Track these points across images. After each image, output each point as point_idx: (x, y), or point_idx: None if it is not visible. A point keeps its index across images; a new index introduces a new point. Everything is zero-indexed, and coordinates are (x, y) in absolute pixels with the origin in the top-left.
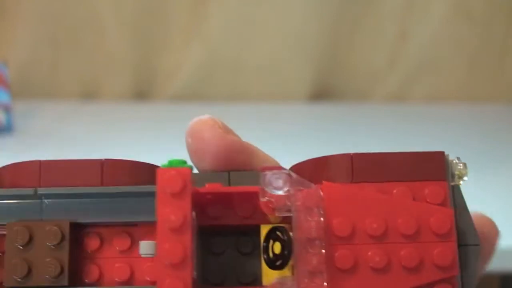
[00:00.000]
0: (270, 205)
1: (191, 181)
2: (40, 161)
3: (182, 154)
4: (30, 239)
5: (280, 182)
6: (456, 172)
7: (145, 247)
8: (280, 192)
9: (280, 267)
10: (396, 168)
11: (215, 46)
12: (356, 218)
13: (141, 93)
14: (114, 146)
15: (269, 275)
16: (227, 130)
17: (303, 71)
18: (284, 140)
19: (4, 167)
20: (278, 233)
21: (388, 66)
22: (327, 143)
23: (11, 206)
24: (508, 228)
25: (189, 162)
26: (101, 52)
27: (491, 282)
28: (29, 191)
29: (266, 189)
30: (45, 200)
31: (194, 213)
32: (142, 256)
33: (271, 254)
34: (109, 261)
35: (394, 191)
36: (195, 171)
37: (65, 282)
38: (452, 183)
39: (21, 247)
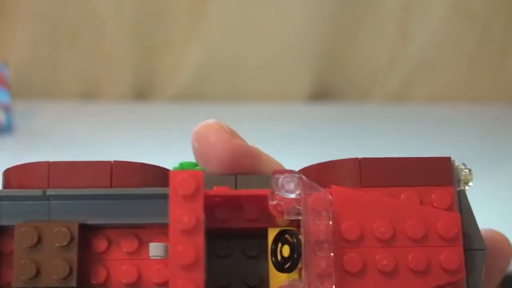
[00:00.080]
0: (279, 208)
1: (203, 184)
2: (49, 162)
3: (182, 154)
4: (39, 240)
5: (292, 186)
6: (462, 178)
7: (155, 249)
8: (292, 196)
9: (288, 270)
10: (403, 173)
11: (215, 46)
12: (365, 221)
13: (141, 93)
14: (114, 146)
15: (276, 278)
16: (233, 134)
17: (303, 71)
18: (284, 140)
19: (11, 168)
20: (287, 236)
21: (388, 66)
22: (327, 143)
23: (20, 207)
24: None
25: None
26: (101, 52)
27: None
28: (37, 192)
29: (278, 192)
30: (54, 201)
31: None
32: (152, 258)
33: (279, 257)
34: (116, 263)
35: (402, 195)
36: None
37: (73, 283)
38: (458, 189)
39: (30, 248)
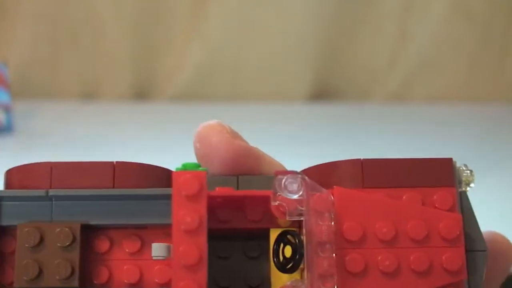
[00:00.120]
0: (281, 209)
1: (206, 184)
2: (51, 163)
3: (182, 153)
4: (41, 240)
5: (295, 186)
6: (463, 179)
7: (158, 249)
8: (295, 196)
9: (290, 271)
10: (405, 174)
11: (215, 46)
12: (367, 222)
13: (141, 93)
14: (114, 146)
15: (278, 279)
16: (235, 135)
17: (303, 71)
18: (284, 140)
19: (13, 168)
20: (289, 236)
21: (388, 66)
22: (327, 143)
23: (22, 207)
24: (508, 228)
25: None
26: (101, 52)
27: None
28: (40, 192)
29: (281, 193)
30: (56, 202)
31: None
32: (154, 258)
33: (281, 258)
34: (118, 263)
35: (404, 196)
36: None
37: (75, 283)
38: (460, 190)
39: (32, 248)
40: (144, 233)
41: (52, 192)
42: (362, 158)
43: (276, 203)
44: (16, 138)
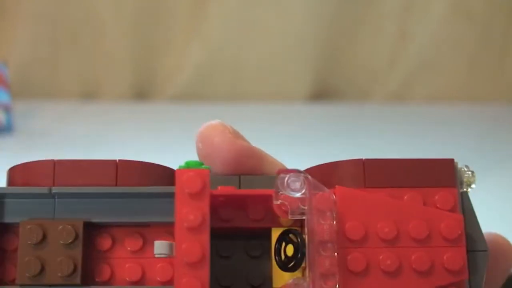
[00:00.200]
0: (284, 208)
1: (209, 182)
2: (54, 161)
3: (182, 153)
4: (44, 237)
5: (297, 184)
6: (465, 180)
7: (160, 247)
8: (298, 194)
9: (292, 269)
10: (407, 174)
11: (215, 46)
12: (369, 222)
13: (141, 93)
14: (114, 146)
15: (280, 278)
16: (237, 135)
17: (303, 71)
18: (284, 140)
19: (16, 166)
20: (291, 235)
21: (388, 66)
22: (327, 143)
23: (24, 204)
24: (508, 228)
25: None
26: (101, 52)
27: None
28: (43, 189)
29: (284, 191)
30: (59, 199)
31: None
32: (157, 256)
33: (283, 256)
34: (120, 261)
35: (405, 196)
36: None
37: (77, 281)
38: (461, 190)
39: (34, 245)
40: (146, 231)
41: (55, 189)
42: (363, 158)
43: (278, 202)
44: (16, 138)
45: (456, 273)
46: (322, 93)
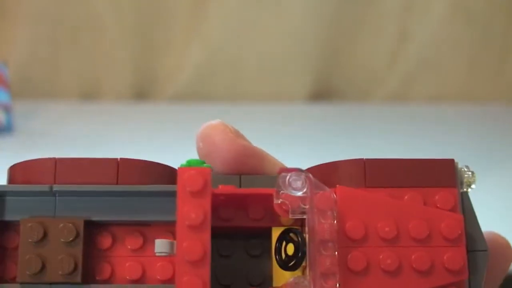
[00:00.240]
0: (284, 207)
1: (211, 181)
2: (55, 159)
3: (182, 153)
4: (44, 235)
5: (299, 183)
6: (465, 180)
7: (161, 245)
8: (299, 193)
9: (292, 268)
10: (407, 174)
11: (215, 46)
12: (369, 221)
13: (141, 93)
14: (114, 146)
15: (280, 276)
16: (238, 135)
17: (303, 71)
18: (284, 140)
19: (17, 164)
20: (291, 234)
21: (388, 66)
22: (327, 143)
23: (25, 202)
24: (508, 228)
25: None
26: (101, 52)
27: None
28: (44, 187)
29: (285, 190)
30: (59, 197)
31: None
32: (157, 254)
33: (283, 255)
34: (121, 259)
35: (406, 196)
36: None
37: (78, 279)
38: (461, 190)
39: (35, 243)
40: (146, 230)
41: (55, 187)
42: (364, 158)
43: (279, 201)
44: (16, 138)
45: (456, 273)
46: (322, 93)
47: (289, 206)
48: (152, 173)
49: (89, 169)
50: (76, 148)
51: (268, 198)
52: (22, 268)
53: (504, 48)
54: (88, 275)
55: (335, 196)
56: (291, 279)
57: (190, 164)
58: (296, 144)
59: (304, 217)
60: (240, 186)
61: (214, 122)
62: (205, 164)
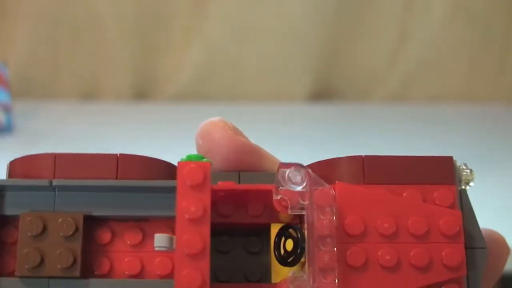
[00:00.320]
0: (283, 203)
1: (210, 175)
2: (55, 154)
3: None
4: (44, 229)
5: (298, 178)
6: (463, 178)
7: (160, 239)
8: (299, 188)
9: (291, 264)
10: (406, 171)
11: (215, 46)
12: (368, 217)
13: (141, 93)
14: (114, 146)
15: (279, 272)
16: (237, 132)
17: (303, 71)
18: (284, 140)
19: (17, 159)
20: (291, 230)
21: (388, 66)
22: (327, 143)
23: (25, 197)
24: (508, 228)
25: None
26: (101, 52)
27: None
28: (43, 182)
29: (285, 184)
30: (59, 192)
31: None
32: (156, 249)
33: (282, 251)
34: (120, 255)
35: (405, 193)
36: None
37: (77, 273)
38: (459, 188)
39: (34, 237)
40: (146, 225)
41: (55, 182)
42: (363, 155)
43: (278, 197)
44: (16, 138)
45: (455, 269)
46: (322, 93)
47: (288, 202)
48: (152, 169)
49: (88, 164)
50: (76, 148)
51: (268, 194)
52: (21, 262)
53: (504, 48)
54: (87, 269)
55: (334, 192)
56: (290, 274)
57: (190, 158)
58: (296, 144)
59: (303, 213)
60: (239, 183)
61: (214, 119)
62: (205, 159)
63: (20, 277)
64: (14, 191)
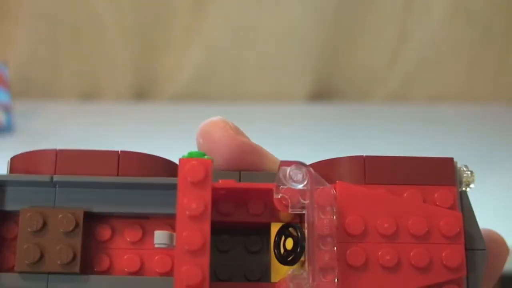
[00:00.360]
0: (284, 202)
1: (212, 172)
2: (56, 150)
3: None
4: (44, 225)
5: (299, 176)
6: (464, 179)
7: (160, 236)
8: (300, 186)
9: (291, 263)
10: (407, 172)
11: (215, 46)
12: (368, 217)
13: (141, 93)
14: (114, 146)
15: (279, 271)
16: (238, 132)
17: (303, 71)
18: (284, 140)
19: (18, 154)
20: (291, 229)
21: (388, 66)
22: (327, 143)
23: (25, 192)
24: (508, 228)
25: None
26: (101, 52)
27: None
28: (44, 177)
29: (286, 183)
30: (60, 188)
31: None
32: (156, 246)
33: (282, 250)
34: (119, 251)
35: (405, 194)
36: None
37: (76, 269)
38: (460, 189)
39: (34, 233)
40: (146, 223)
41: (56, 178)
42: (364, 155)
43: (279, 196)
44: (16, 138)
45: (454, 270)
46: (322, 93)
47: (289, 200)
48: (153, 166)
49: (89, 160)
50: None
51: (268, 193)
52: (21, 257)
53: (504, 48)
54: (87, 266)
55: (334, 191)
56: (289, 273)
57: (191, 155)
58: (296, 144)
59: (304, 212)
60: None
61: (215, 118)
62: (206, 157)
63: (20, 272)
64: (15, 186)
